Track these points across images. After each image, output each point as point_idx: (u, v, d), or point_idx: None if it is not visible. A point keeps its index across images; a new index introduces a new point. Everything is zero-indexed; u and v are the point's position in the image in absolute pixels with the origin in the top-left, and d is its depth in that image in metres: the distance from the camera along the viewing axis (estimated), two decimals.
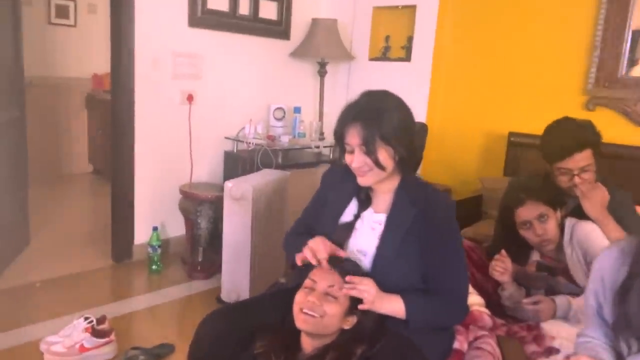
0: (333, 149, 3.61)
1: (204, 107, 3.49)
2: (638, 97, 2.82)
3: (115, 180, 3.33)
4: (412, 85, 3.51)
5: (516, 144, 3.11)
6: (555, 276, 1.90)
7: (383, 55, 3.88)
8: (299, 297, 1.46)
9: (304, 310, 1.42)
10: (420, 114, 3.42)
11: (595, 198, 1.99)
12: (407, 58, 3.67)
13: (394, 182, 1.59)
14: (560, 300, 1.86)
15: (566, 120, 2.13)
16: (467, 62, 3.44)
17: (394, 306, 1.47)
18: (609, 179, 2.14)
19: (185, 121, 3.41)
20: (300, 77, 4.02)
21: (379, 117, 1.48)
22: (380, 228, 1.57)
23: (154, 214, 3.39)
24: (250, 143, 3.37)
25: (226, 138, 3.59)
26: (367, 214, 1.62)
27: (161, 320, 2.74)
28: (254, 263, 2.76)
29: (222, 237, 2.82)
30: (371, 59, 3.87)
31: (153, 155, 3.33)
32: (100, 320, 2.36)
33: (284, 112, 3.66)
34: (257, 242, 2.77)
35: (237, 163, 3.44)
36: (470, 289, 1.89)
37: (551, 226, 1.97)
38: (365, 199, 1.63)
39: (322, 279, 1.45)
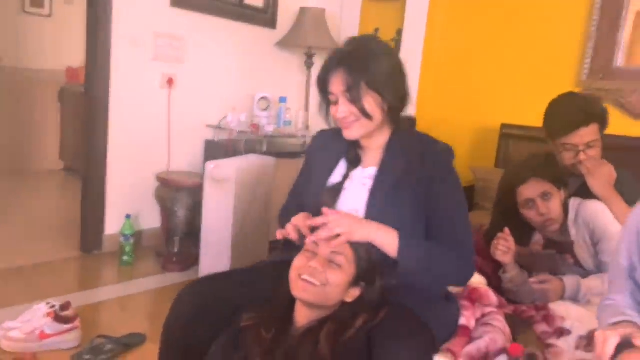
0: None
1: (185, 92, 3.32)
2: (634, 89, 2.76)
3: (87, 166, 3.12)
4: None
5: (508, 135, 3.02)
6: (563, 254, 1.77)
7: None
8: (299, 262, 1.29)
9: (304, 277, 1.25)
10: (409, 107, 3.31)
11: (602, 175, 1.89)
12: (397, 51, 3.58)
13: (384, 137, 1.46)
14: (569, 280, 1.73)
15: (571, 95, 2.04)
16: (459, 53, 3.36)
17: (384, 237, 1.32)
18: (608, 159, 2.05)
19: (165, 106, 3.23)
20: (287, 68, 3.90)
21: (365, 62, 1.36)
22: (370, 183, 1.42)
23: (128, 203, 3.18)
24: (233, 131, 3.21)
25: (208, 126, 3.42)
26: (357, 172, 1.47)
27: (132, 311, 2.53)
28: (235, 253, 2.57)
29: (200, 228, 2.64)
30: None
31: (129, 141, 3.14)
32: (64, 306, 2.15)
33: (269, 103, 3.51)
34: (239, 230, 2.59)
35: (218, 152, 3.26)
36: None
37: (555, 205, 1.86)
38: (355, 159, 1.49)
39: (326, 243, 1.29)
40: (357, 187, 1.44)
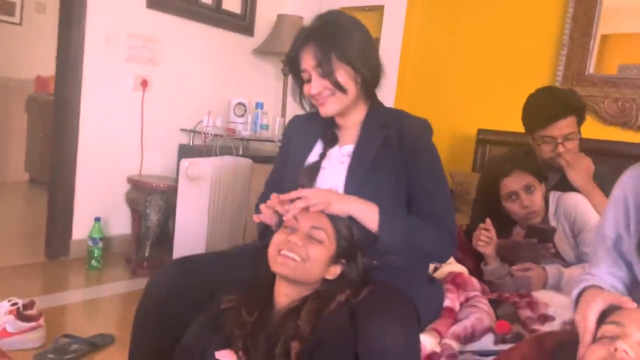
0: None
1: (159, 95, 3.26)
2: (605, 95, 2.82)
3: (55, 168, 3.01)
4: (378, 86, 3.41)
5: (485, 140, 3.04)
6: (545, 242, 1.76)
7: None
8: (278, 238, 1.25)
9: (283, 252, 1.21)
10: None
11: (581, 167, 1.91)
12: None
13: (360, 114, 1.45)
14: (551, 268, 1.72)
15: (549, 88, 2.07)
16: (435, 61, 3.40)
17: (364, 210, 1.29)
18: (585, 155, 2.07)
19: (138, 108, 3.16)
20: (264, 74, 3.88)
21: (333, 35, 1.34)
22: (348, 160, 1.40)
23: (97, 208, 3.06)
24: (208, 134, 3.15)
25: (182, 130, 3.36)
26: (334, 150, 1.45)
27: (100, 313, 2.42)
28: None
29: (172, 232, 2.56)
30: None
31: (99, 143, 3.05)
32: (28, 305, 2.04)
33: (245, 108, 3.47)
34: (214, 231, 2.52)
35: (192, 156, 3.16)
36: (451, 259, 1.74)
37: (537, 198, 1.86)
38: (331, 138, 1.46)
39: (306, 218, 1.25)
40: (335, 165, 1.42)
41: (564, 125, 1.91)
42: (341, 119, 1.45)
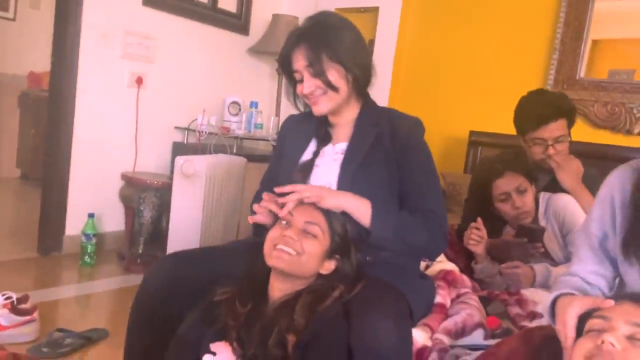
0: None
1: (154, 93, 3.27)
2: (595, 99, 2.87)
3: (49, 163, 3.01)
4: (372, 87, 3.44)
5: (477, 142, 3.08)
6: (535, 242, 1.79)
7: None
8: (273, 233, 1.27)
9: (279, 247, 1.23)
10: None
11: (571, 168, 1.94)
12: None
13: (352, 112, 1.48)
14: (539, 267, 1.76)
15: (541, 91, 2.11)
16: (428, 63, 3.44)
17: (356, 205, 1.31)
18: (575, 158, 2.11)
19: (133, 106, 3.17)
20: (258, 74, 3.90)
21: (324, 35, 1.37)
22: (341, 158, 1.42)
23: (90, 203, 3.06)
24: (202, 132, 3.16)
25: (176, 128, 3.37)
26: (327, 148, 1.48)
27: (93, 308, 2.43)
28: None
29: (165, 230, 2.57)
30: None
31: (94, 139, 3.05)
32: (22, 299, 2.05)
33: (240, 107, 3.49)
34: (208, 228, 2.54)
35: (187, 154, 3.18)
36: (442, 257, 1.77)
37: (529, 198, 1.90)
38: (325, 136, 1.49)
39: (301, 214, 1.27)
40: (328, 163, 1.44)
41: (555, 128, 1.95)
42: (334, 118, 1.48)
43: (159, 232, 3.04)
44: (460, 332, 1.33)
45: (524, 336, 1.12)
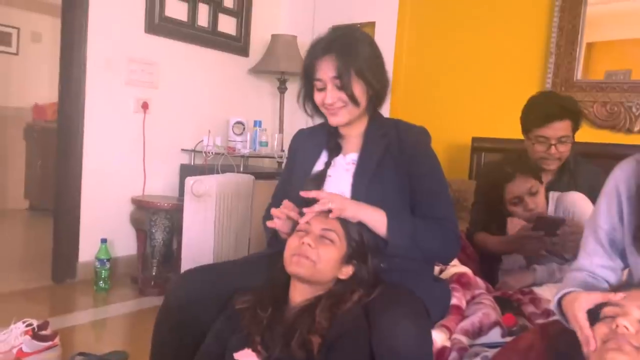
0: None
1: (160, 117, 3.33)
2: (593, 100, 2.92)
3: (59, 191, 3.06)
4: None
5: (479, 148, 3.11)
6: (552, 234, 1.81)
7: None
8: (292, 242, 1.31)
9: (298, 254, 1.27)
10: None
11: None
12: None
13: (363, 124, 1.52)
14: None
15: (550, 92, 2.16)
16: (427, 74, 3.49)
17: (373, 216, 1.35)
18: (579, 158, 2.15)
19: (139, 130, 3.23)
20: (260, 93, 3.96)
21: (353, 49, 1.41)
22: (353, 168, 1.47)
23: (102, 229, 3.10)
24: (209, 153, 3.21)
25: (183, 150, 3.42)
26: (339, 159, 1.52)
27: (111, 332, 2.46)
28: None
29: (176, 251, 2.60)
30: None
31: (103, 166, 3.11)
32: (42, 325, 2.07)
33: (244, 127, 3.54)
34: (220, 246, 2.57)
35: (194, 175, 3.24)
36: (455, 261, 1.80)
37: (541, 199, 1.94)
38: (335, 147, 1.53)
39: (318, 221, 1.32)
40: (340, 173, 1.48)
41: (559, 127, 1.98)
42: (345, 129, 1.52)
43: (170, 254, 3.08)
44: (478, 331, 1.36)
45: (540, 330, 1.16)
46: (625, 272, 1.26)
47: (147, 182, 3.27)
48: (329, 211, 1.31)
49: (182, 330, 1.34)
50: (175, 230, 2.97)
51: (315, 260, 1.26)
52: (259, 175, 3.26)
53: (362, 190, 1.41)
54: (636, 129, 2.83)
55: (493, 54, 3.23)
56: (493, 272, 1.98)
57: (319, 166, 1.52)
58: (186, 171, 3.34)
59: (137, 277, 3.04)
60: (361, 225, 1.36)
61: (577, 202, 1.89)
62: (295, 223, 1.36)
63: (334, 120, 1.46)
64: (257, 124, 3.58)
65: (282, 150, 3.59)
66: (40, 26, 5.28)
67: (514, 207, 1.94)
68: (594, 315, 1.02)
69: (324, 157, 1.54)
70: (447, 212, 1.42)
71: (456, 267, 1.74)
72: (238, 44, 3.75)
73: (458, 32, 3.36)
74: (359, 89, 1.41)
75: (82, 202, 3.05)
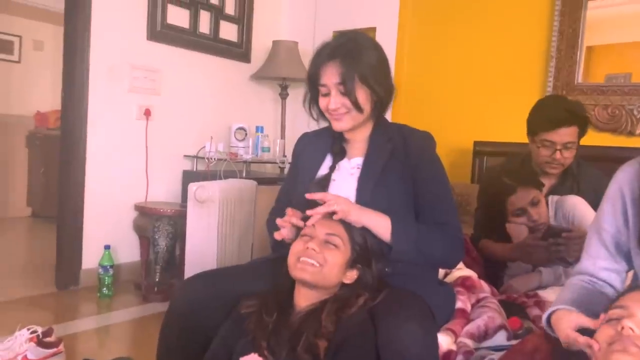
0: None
1: (162, 123, 3.34)
2: (594, 103, 2.92)
3: (63, 199, 3.06)
4: None
5: (481, 152, 3.12)
6: (559, 246, 1.81)
7: None
8: (297, 247, 1.32)
9: (302, 259, 1.28)
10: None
11: None
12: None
13: (368, 128, 1.52)
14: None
15: (559, 96, 2.16)
16: (429, 79, 3.51)
17: (377, 221, 1.35)
18: (581, 161, 2.15)
19: (142, 137, 3.24)
20: (262, 99, 3.98)
21: (357, 55, 1.41)
22: (358, 172, 1.47)
23: (105, 236, 3.11)
24: (211, 159, 3.22)
25: (185, 156, 3.44)
26: (343, 163, 1.52)
27: (115, 338, 2.45)
28: None
29: (180, 257, 2.61)
30: None
31: (105, 172, 3.12)
32: (47, 332, 2.07)
33: (246, 133, 3.56)
34: (224, 252, 2.57)
35: (197, 181, 3.25)
36: (461, 264, 1.80)
37: (543, 209, 1.94)
38: (340, 151, 1.54)
39: (322, 226, 1.32)
40: (345, 177, 1.49)
41: (566, 133, 1.97)
42: (350, 134, 1.53)
43: (173, 260, 3.08)
44: (484, 334, 1.36)
45: (546, 333, 1.16)
46: (630, 274, 1.27)
47: (150, 188, 3.28)
48: (333, 213, 1.32)
49: (187, 336, 1.35)
50: (178, 236, 2.97)
51: (321, 264, 1.27)
52: (262, 180, 3.26)
53: (366, 195, 1.41)
54: (637, 131, 2.83)
55: (494, 58, 3.24)
56: (498, 275, 1.99)
57: (323, 170, 1.53)
58: (189, 177, 3.35)
59: (141, 283, 3.05)
60: (365, 230, 1.37)
61: (577, 205, 1.90)
62: (299, 229, 1.37)
63: (337, 126, 1.47)
64: (259, 129, 3.59)
65: (284, 156, 3.60)
66: (42, 34, 5.31)
67: (516, 218, 1.94)
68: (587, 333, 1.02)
69: (328, 160, 1.55)
70: (450, 218, 1.43)
71: (461, 270, 1.74)
72: (239, 50, 3.77)
73: (459, 37, 3.38)
74: (362, 95, 1.42)
75: (85, 209, 3.06)
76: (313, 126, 1.66)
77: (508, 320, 1.43)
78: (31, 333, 2.02)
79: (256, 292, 1.36)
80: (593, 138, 2.88)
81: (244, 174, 3.22)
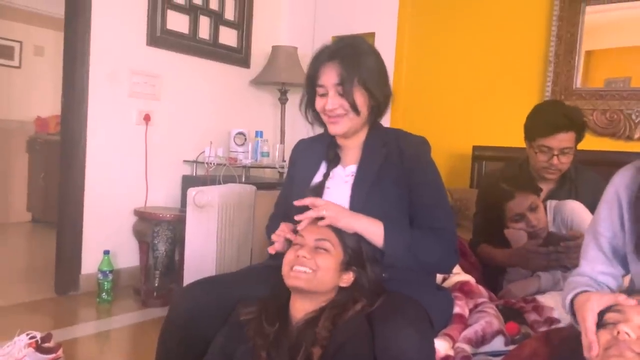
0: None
1: (162, 128, 3.35)
2: (593, 108, 2.93)
3: (62, 204, 3.07)
4: None
5: (480, 157, 3.13)
6: (558, 254, 1.81)
7: None
8: (289, 256, 1.32)
9: (295, 268, 1.28)
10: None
11: None
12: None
13: (361, 136, 1.52)
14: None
15: (557, 102, 2.17)
16: (427, 84, 3.52)
17: (369, 227, 1.35)
18: (579, 166, 2.15)
19: (142, 142, 3.25)
20: (261, 104, 3.99)
21: (357, 58, 1.41)
22: (352, 179, 1.47)
23: (105, 241, 3.10)
24: (210, 164, 3.23)
25: (185, 161, 3.44)
26: (338, 170, 1.52)
27: (115, 344, 2.45)
28: None
29: (179, 262, 2.61)
30: None
31: (105, 177, 3.12)
32: (46, 338, 2.08)
33: (245, 138, 3.56)
34: (223, 257, 2.57)
35: (196, 186, 3.25)
36: (459, 269, 1.80)
37: (542, 214, 1.94)
38: (334, 158, 1.54)
39: (310, 232, 1.33)
40: (339, 184, 1.49)
41: (563, 139, 1.97)
42: (344, 141, 1.53)
43: (172, 265, 3.08)
44: (481, 340, 1.36)
45: (544, 338, 1.16)
46: (626, 278, 1.27)
47: (150, 193, 3.28)
48: (322, 219, 1.32)
49: (186, 343, 1.35)
50: (177, 241, 2.98)
51: (314, 270, 1.27)
52: (261, 185, 3.26)
53: (360, 202, 1.41)
54: (636, 136, 2.84)
55: (492, 63, 3.25)
56: (497, 280, 1.99)
57: (318, 177, 1.53)
58: (188, 182, 3.35)
59: (140, 288, 3.05)
60: (357, 236, 1.37)
61: (576, 210, 1.90)
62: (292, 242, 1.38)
63: (333, 129, 1.47)
64: (259, 134, 3.60)
65: (284, 161, 3.61)
66: (42, 40, 5.32)
67: (515, 224, 1.94)
68: (601, 318, 1.02)
69: (323, 168, 1.55)
70: (445, 223, 1.42)
71: (459, 275, 1.74)
72: (239, 56, 3.78)
73: (457, 42, 3.39)
74: (360, 98, 1.42)
75: (84, 214, 3.06)
76: (315, 131, 1.67)
77: (505, 326, 1.43)
78: (30, 338, 2.02)
79: (255, 298, 1.36)
80: (592, 142, 2.88)
81: (243, 179, 3.23)
